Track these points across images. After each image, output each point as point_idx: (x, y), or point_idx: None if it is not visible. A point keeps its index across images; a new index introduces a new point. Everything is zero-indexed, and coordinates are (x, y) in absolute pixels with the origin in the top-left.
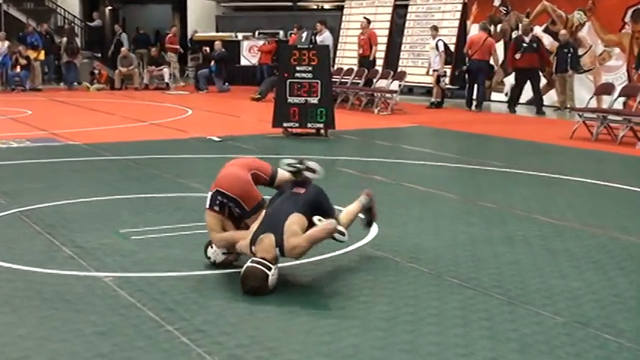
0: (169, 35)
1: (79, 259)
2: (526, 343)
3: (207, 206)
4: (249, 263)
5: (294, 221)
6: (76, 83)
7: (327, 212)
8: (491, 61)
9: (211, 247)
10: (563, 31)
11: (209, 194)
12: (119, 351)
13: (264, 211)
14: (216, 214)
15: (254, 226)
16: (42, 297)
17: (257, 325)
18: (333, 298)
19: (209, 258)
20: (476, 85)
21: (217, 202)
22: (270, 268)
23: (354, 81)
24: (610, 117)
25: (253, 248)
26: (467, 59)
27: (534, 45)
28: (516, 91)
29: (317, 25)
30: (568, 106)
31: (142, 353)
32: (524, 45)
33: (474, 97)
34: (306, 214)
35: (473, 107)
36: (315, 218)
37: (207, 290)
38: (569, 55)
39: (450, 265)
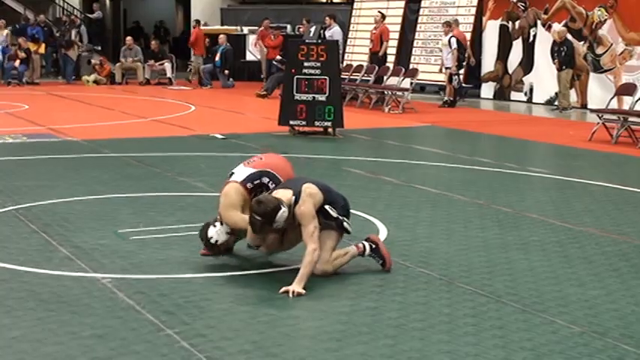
0: (263, 30)
1: (77, 259)
2: (541, 352)
3: (239, 180)
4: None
5: (312, 192)
6: (74, 77)
7: (335, 201)
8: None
9: (214, 225)
10: (561, 28)
11: (246, 170)
12: (117, 355)
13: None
14: (245, 193)
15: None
16: (37, 298)
17: (260, 329)
18: (340, 304)
19: (210, 239)
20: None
21: (256, 182)
22: (282, 204)
23: (363, 78)
24: (631, 119)
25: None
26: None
27: None
28: None
29: (326, 19)
30: (556, 103)
31: (141, 358)
32: None
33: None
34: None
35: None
36: (327, 207)
37: (209, 293)
38: (564, 53)
39: (462, 270)
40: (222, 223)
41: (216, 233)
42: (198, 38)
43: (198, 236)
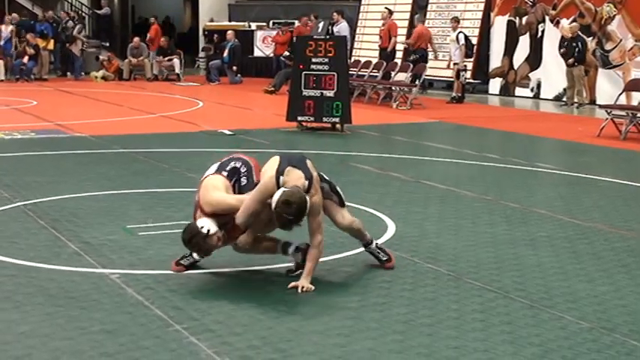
0: (300, 26)
1: (85, 255)
2: (549, 348)
3: (213, 172)
4: (284, 189)
5: (318, 178)
6: (83, 73)
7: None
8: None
9: (201, 217)
10: (573, 24)
11: (214, 165)
12: (125, 350)
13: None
14: (224, 180)
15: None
16: (46, 294)
17: (269, 325)
18: (348, 299)
19: (201, 229)
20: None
21: (229, 167)
22: (305, 196)
23: (371, 74)
24: None
25: (281, 179)
26: (412, 49)
27: None
28: None
29: (333, 14)
30: (575, 100)
31: (149, 353)
32: None
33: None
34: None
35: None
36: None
37: (218, 289)
38: (578, 49)
39: (470, 266)
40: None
41: (206, 223)
42: (157, 34)
43: (181, 240)
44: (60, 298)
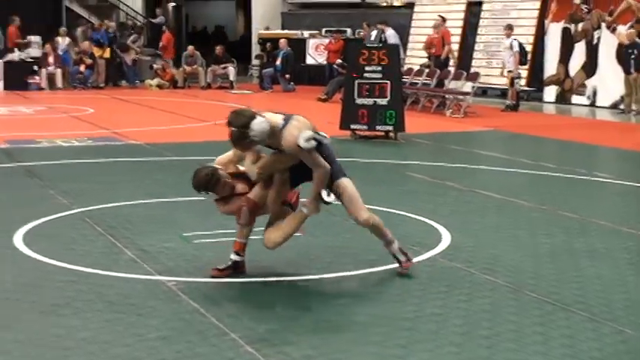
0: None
1: (142, 262)
2: None
3: None
4: None
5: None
6: (138, 81)
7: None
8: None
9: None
10: (631, 30)
11: None
12: (182, 357)
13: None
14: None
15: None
16: (105, 300)
17: (324, 335)
18: (404, 310)
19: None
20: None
21: None
22: (260, 115)
23: (425, 82)
24: None
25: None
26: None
27: None
28: None
29: (377, 25)
30: (634, 108)
31: None
32: None
33: None
34: None
35: None
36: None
37: (273, 298)
38: (633, 56)
39: (528, 278)
40: None
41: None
42: (169, 43)
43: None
44: (118, 304)
